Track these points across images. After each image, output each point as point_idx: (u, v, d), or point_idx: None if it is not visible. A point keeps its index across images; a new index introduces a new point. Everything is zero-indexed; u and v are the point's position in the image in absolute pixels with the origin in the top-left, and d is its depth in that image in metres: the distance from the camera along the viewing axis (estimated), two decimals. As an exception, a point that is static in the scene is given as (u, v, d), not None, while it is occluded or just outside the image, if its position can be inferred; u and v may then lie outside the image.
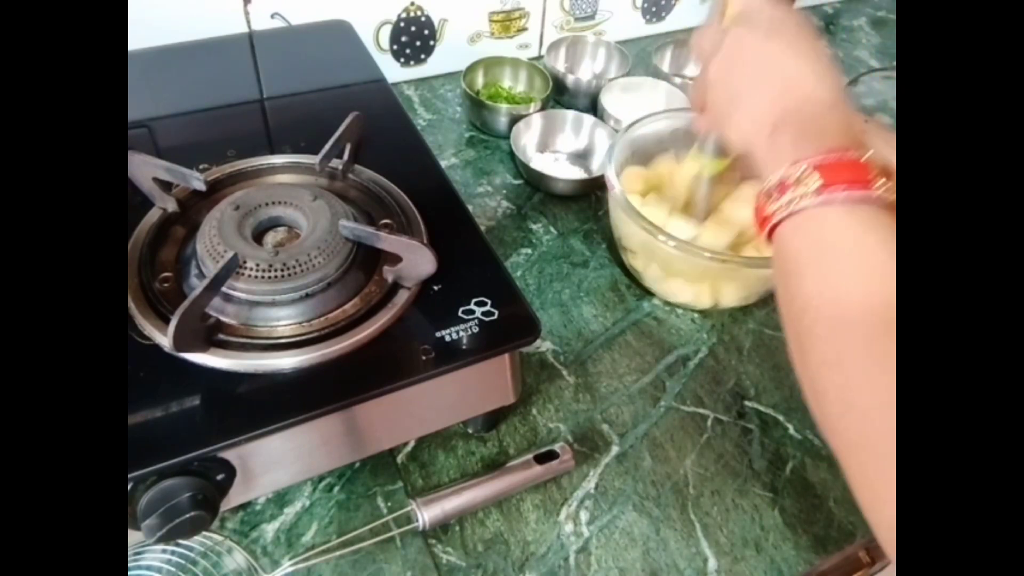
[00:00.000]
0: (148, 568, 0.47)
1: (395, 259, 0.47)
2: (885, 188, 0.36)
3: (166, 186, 0.52)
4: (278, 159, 0.58)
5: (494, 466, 0.54)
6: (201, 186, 0.52)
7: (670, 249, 0.60)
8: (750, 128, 0.42)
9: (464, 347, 0.46)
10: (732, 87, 0.44)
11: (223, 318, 0.45)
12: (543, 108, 0.84)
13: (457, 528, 0.52)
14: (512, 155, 0.81)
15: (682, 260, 0.63)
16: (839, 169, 0.36)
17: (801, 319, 0.37)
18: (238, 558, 0.48)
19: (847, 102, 0.41)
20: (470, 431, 0.57)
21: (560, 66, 0.93)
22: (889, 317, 0.32)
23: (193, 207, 0.53)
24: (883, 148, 0.58)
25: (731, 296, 0.65)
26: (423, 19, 0.88)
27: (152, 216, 0.51)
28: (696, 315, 0.68)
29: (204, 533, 0.48)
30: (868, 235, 0.35)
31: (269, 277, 0.45)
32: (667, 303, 0.69)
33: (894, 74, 0.99)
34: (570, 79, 0.89)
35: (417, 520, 0.50)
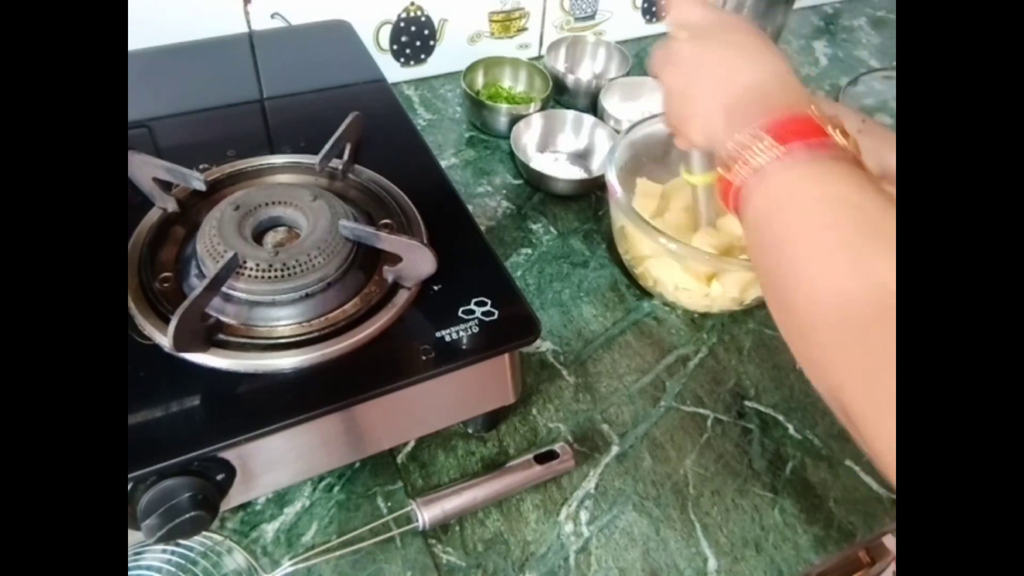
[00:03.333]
0: (148, 568, 0.47)
1: (395, 259, 0.47)
2: (838, 137, 0.37)
3: (166, 186, 0.52)
4: (278, 159, 0.58)
5: (494, 466, 0.54)
6: (201, 186, 0.52)
7: (671, 252, 0.60)
8: (706, 125, 0.43)
9: (464, 347, 0.46)
10: (684, 94, 0.46)
11: (223, 318, 0.45)
12: (543, 108, 0.84)
13: (457, 528, 0.52)
14: (512, 155, 0.81)
15: (683, 263, 0.63)
16: (788, 126, 0.37)
17: (786, 288, 0.36)
18: (238, 558, 0.48)
19: (792, 77, 0.42)
20: (470, 431, 0.57)
21: (560, 66, 0.93)
22: (886, 302, 0.32)
23: (193, 207, 0.53)
24: (882, 149, 0.58)
25: (731, 300, 0.65)
26: (423, 19, 0.88)
27: (152, 216, 0.51)
28: (696, 315, 0.68)
29: (204, 533, 0.48)
30: (838, 185, 0.35)
31: (269, 277, 0.45)
32: (667, 303, 0.69)
33: (894, 74, 0.99)
34: (570, 79, 0.89)
35: (417, 520, 0.50)
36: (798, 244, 0.36)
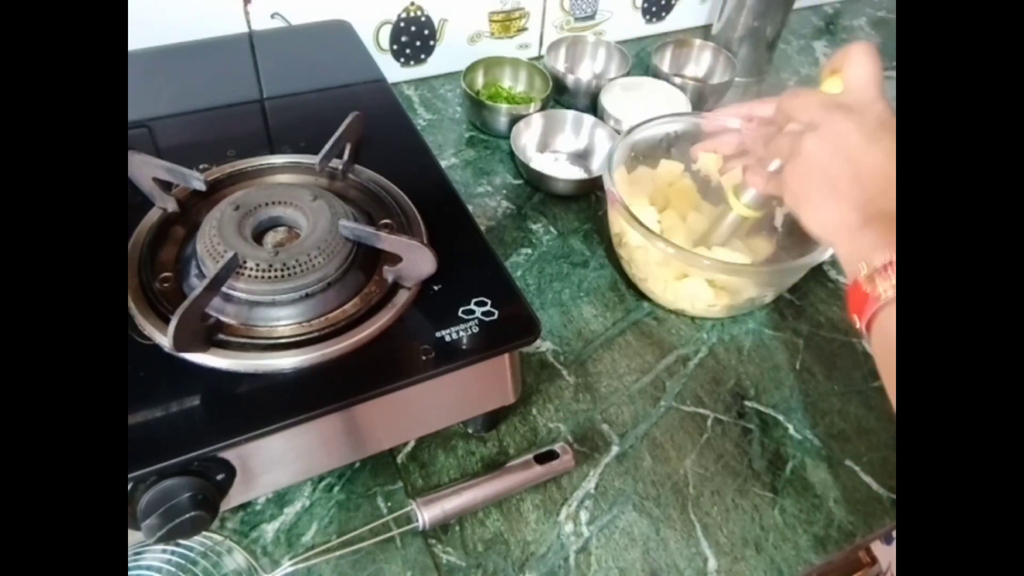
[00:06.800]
0: (148, 568, 0.47)
1: (395, 259, 0.47)
2: None
3: (166, 186, 0.52)
4: (278, 159, 0.58)
5: (494, 466, 0.54)
6: (201, 186, 0.52)
7: (670, 256, 0.60)
8: (837, 221, 0.43)
9: (464, 347, 0.46)
10: (827, 176, 0.44)
11: (223, 318, 0.45)
12: (543, 108, 0.84)
13: (457, 528, 0.52)
14: (512, 155, 0.81)
15: (682, 267, 0.62)
16: None
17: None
18: (238, 558, 0.48)
19: None
20: (470, 431, 0.57)
21: (560, 66, 0.93)
22: None
23: (193, 207, 0.53)
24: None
25: (731, 305, 0.65)
26: (423, 19, 0.88)
27: (152, 216, 0.51)
28: (696, 315, 0.68)
29: (204, 533, 0.48)
30: None
31: (269, 277, 0.45)
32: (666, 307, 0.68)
33: (894, 74, 0.99)
34: (570, 79, 0.89)
35: (417, 520, 0.50)
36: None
